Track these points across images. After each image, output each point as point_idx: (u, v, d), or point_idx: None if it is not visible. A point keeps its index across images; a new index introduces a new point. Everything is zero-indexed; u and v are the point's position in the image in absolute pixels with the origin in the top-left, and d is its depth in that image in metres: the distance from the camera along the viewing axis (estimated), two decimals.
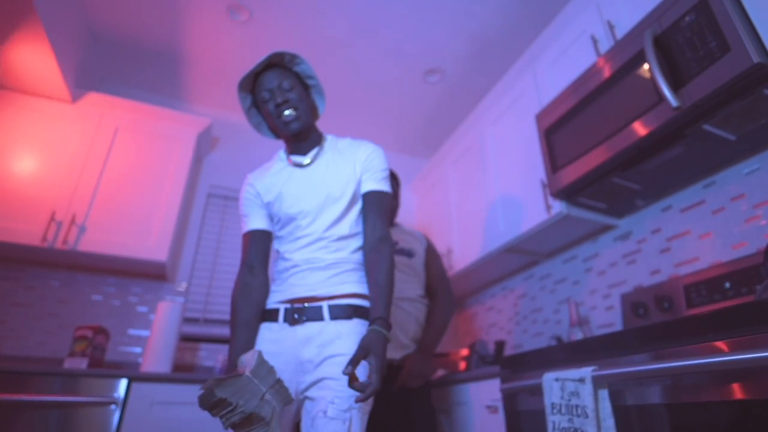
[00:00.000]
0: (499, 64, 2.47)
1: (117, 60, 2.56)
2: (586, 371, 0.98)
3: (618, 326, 1.77)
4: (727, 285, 1.34)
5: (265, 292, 1.18)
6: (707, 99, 1.20)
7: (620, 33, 1.57)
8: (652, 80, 1.34)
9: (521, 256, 2.22)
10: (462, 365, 2.48)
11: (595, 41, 1.67)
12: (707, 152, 1.42)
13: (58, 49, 1.96)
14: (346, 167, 1.21)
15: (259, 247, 1.23)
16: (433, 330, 1.67)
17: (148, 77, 2.70)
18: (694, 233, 1.57)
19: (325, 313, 1.06)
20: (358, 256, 1.18)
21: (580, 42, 1.76)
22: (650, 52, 1.32)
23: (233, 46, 2.43)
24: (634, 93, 1.41)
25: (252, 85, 1.24)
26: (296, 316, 1.07)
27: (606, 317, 1.86)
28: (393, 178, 1.86)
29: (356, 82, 2.64)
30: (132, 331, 2.31)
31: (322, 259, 1.12)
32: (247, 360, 0.98)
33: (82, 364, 1.76)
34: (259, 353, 0.98)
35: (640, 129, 1.36)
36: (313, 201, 1.17)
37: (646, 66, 1.38)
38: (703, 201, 1.56)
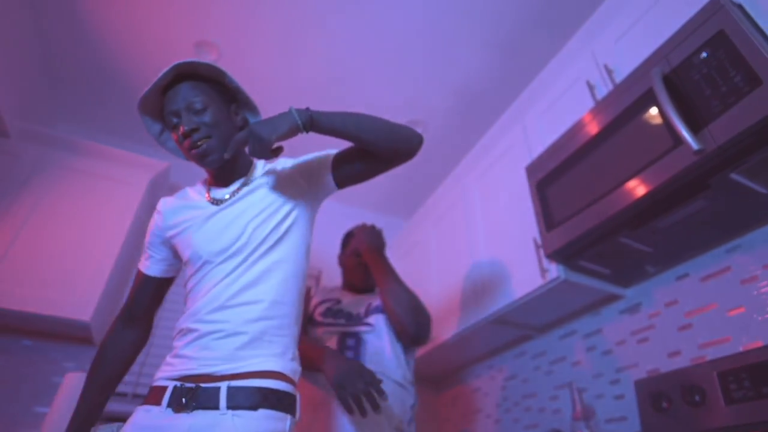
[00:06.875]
0: (485, 117, 2.33)
1: (76, 97, 2.35)
2: None
3: (633, 421, 1.44)
4: None
5: (137, 350, 1.02)
6: (736, 140, 1.00)
7: (619, 77, 1.42)
8: (665, 123, 1.14)
9: (511, 330, 1.91)
10: None
11: (591, 87, 1.51)
12: (733, 209, 1.20)
13: None
14: (280, 192, 0.98)
15: (146, 295, 1.03)
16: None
17: (108, 117, 2.48)
18: (722, 307, 1.30)
19: (222, 398, 0.75)
20: (282, 319, 0.88)
21: (574, 89, 1.61)
22: (660, 90, 1.13)
23: None
24: (642, 139, 1.21)
25: (160, 104, 0.99)
26: (184, 400, 0.76)
27: (616, 408, 1.52)
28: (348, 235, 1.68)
29: None
30: (39, 408, 1.87)
31: (227, 324, 0.83)
32: None
33: None
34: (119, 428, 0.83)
35: (655, 177, 1.14)
36: (218, 251, 0.91)
37: (654, 109, 1.19)
38: (728, 268, 1.31)
